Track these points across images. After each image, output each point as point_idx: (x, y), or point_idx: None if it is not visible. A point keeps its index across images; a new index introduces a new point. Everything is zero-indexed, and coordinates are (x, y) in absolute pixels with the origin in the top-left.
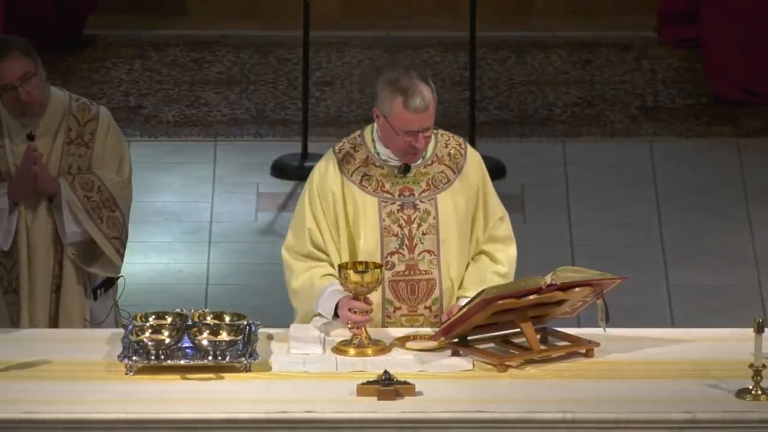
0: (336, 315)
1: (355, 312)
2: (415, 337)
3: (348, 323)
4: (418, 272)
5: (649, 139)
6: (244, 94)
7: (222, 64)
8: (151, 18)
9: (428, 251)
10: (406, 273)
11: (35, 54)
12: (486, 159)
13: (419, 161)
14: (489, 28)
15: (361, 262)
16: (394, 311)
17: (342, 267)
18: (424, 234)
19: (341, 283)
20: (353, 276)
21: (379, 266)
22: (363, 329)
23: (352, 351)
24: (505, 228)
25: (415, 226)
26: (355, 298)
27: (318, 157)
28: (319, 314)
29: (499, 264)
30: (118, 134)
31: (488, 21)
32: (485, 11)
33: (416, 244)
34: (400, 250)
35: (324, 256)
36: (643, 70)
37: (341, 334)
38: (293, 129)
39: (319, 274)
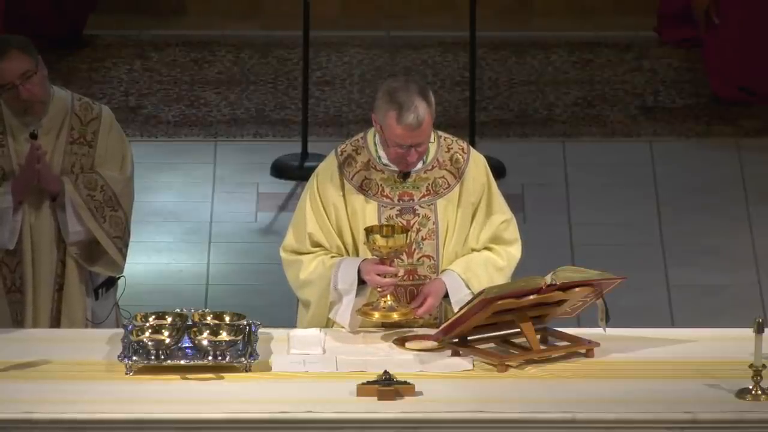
0: (359, 282)
1: (384, 277)
2: (415, 337)
3: (378, 287)
4: (417, 277)
5: (649, 139)
6: (244, 94)
7: (222, 64)
8: (151, 18)
9: (427, 256)
10: (405, 278)
11: (35, 52)
12: (486, 159)
13: (419, 166)
14: (489, 28)
15: (388, 226)
16: None
17: (368, 231)
18: (423, 239)
19: (369, 249)
20: (380, 240)
21: (406, 231)
22: (388, 295)
23: (376, 315)
24: (512, 231)
25: (414, 231)
26: (381, 262)
27: (318, 157)
28: (334, 302)
29: (499, 258)
30: (121, 133)
31: (488, 21)
32: (485, 11)
33: (415, 249)
34: (399, 255)
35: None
36: (643, 70)
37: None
38: (293, 129)
39: (329, 257)
